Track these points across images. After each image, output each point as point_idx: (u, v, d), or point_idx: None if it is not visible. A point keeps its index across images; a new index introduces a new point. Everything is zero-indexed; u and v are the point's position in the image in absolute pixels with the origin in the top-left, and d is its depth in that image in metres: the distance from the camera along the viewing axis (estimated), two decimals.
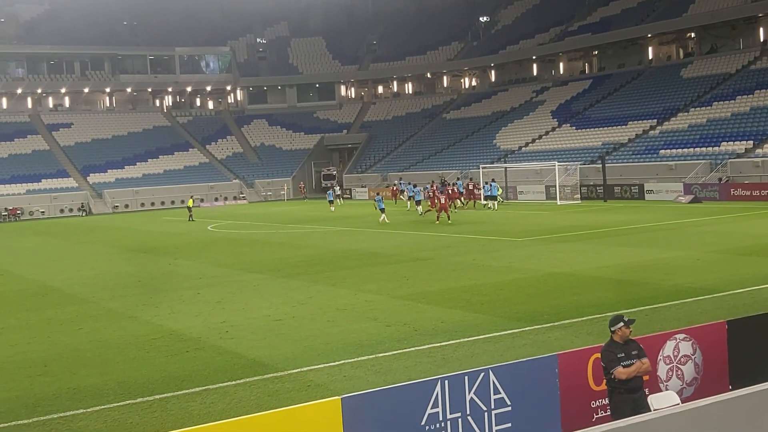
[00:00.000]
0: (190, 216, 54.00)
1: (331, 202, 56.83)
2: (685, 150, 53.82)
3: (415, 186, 50.85)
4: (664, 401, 9.51)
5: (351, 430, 8.19)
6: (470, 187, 53.17)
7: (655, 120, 60.36)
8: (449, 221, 39.17)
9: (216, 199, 76.61)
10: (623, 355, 8.92)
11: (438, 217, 39.83)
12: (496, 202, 49.02)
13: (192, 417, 10.90)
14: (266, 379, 12.70)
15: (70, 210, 71.99)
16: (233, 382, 12.56)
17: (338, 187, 68.65)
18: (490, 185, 50.15)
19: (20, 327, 18.24)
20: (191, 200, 58.71)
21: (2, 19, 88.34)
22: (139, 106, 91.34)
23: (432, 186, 50.39)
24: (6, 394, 12.73)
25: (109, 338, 16.50)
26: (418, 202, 46.91)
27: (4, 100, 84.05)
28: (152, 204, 74.95)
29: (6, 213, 68.50)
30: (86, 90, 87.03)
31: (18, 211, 69.19)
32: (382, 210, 42.94)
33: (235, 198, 78.38)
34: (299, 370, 13.12)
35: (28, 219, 68.95)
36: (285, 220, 48.86)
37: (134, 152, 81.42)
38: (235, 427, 7.75)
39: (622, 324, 9.05)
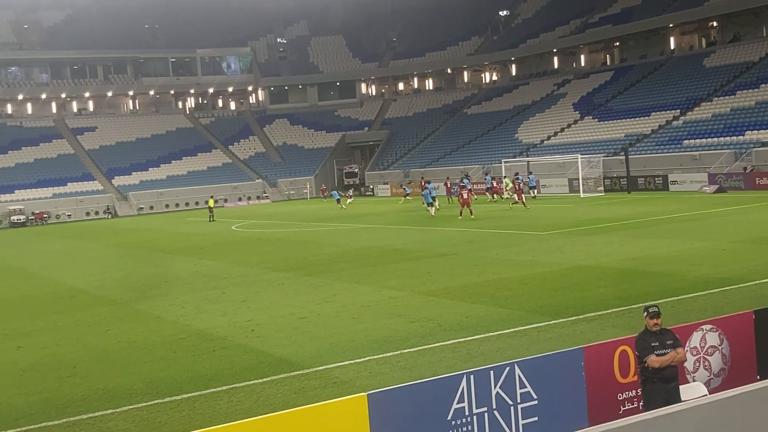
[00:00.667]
0: (211, 216, 54.33)
1: (338, 200, 57.46)
2: (709, 140, 53.34)
3: (429, 183, 50.24)
4: (691, 393, 9.46)
5: (377, 426, 8.20)
6: (494, 183, 53.32)
7: (678, 110, 59.87)
8: (472, 216, 39.09)
9: (239, 199, 77.00)
10: (657, 344, 8.91)
11: (461, 212, 39.77)
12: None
13: (219, 415, 10.97)
14: (292, 377, 12.75)
15: (96, 213, 72.66)
16: (260, 381, 12.63)
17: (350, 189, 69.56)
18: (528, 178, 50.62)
19: (49, 329, 18.44)
20: (212, 200, 59.04)
21: (26, 26, 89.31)
22: (161, 109, 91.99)
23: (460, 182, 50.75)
24: (36, 396, 12.88)
25: (136, 339, 16.64)
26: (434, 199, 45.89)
27: (29, 106, 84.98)
28: (176, 205, 75.50)
29: (33, 217, 69.26)
30: (109, 93, 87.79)
31: (45, 215, 69.95)
32: (430, 204, 43.62)
33: (258, 198, 78.73)
34: (325, 367, 13.16)
35: (55, 222, 69.69)
36: (308, 218, 49.00)
37: (158, 154, 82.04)
38: (262, 425, 7.79)
39: (645, 313, 9.12)
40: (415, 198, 58.10)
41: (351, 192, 67.39)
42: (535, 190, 52.81)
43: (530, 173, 54.89)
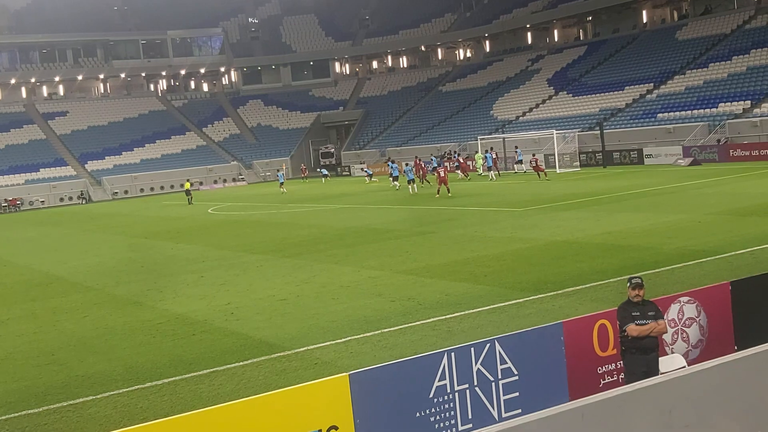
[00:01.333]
0: (189, 199, 53.98)
1: (281, 184, 57.33)
2: (683, 113, 53.67)
3: (393, 162, 51.32)
4: (670, 364, 9.56)
5: (360, 406, 8.22)
6: (462, 160, 53.62)
7: (652, 84, 60.15)
8: (449, 194, 39.14)
9: (215, 182, 76.59)
10: (638, 314, 9.03)
11: (438, 191, 39.81)
12: (493, 173, 49.67)
13: (201, 399, 10.96)
14: (273, 359, 12.75)
15: (70, 198, 72.00)
16: (241, 363, 12.62)
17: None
18: (486, 156, 51.00)
19: (26, 317, 18.29)
20: (188, 183, 58.40)
21: None
22: (133, 92, 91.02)
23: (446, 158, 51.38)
24: (15, 384, 12.79)
25: (115, 325, 16.55)
26: (395, 178, 49.08)
27: None
28: (151, 189, 74.94)
29: (6, 204, 68.51)
30: (80, 77, 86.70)
31: (18, 202, 69.21)
32: (411, 181, 44.34)
33: (234, 180, 78.33)
34: (306, 348, 13.17)
35: (29, 209, 68.97)
36: (284, 200, 48.84)
37: (131, 138, 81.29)
38: (244, 408, 7.78)
39: (628, 284, 9.24)
40: (381, 179, 58.29)
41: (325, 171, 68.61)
42: (523, 165, 52.57)
43: (516, 148, 54.88)
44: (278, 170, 65.16)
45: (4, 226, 51.12)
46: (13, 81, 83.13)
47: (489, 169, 50.14)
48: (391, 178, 50.47)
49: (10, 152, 76.13)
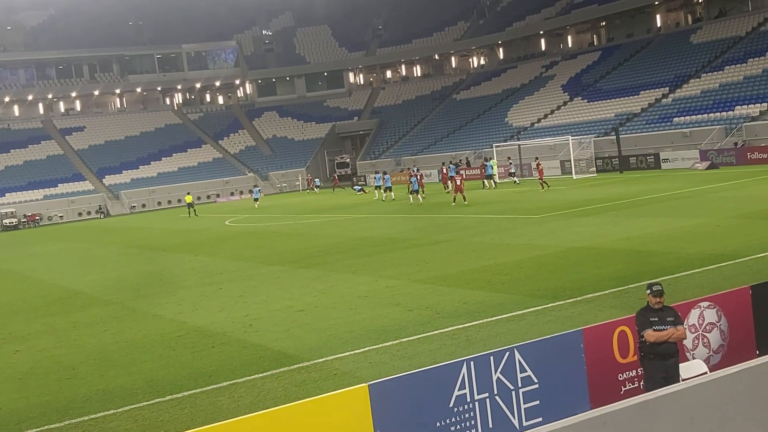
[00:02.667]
0: (191, 212, 54.99)
1: (256, 200, 58.28)
2: (699, 116, 53.41)
3: (385, 174, 51.59)
4: (691, 370, 9.49)
5: (380, 416, 8.21)
6: (444, 171, 53.30)
7: (667, 88, 59.91)
8: (465, 203, 39.09)
9: (231, 194, 76.81)
10: (656, 319, 8.97)
11: (454, 199, 39.79)
12: (492, 181, 49.36)
13: (221, 411, 10.96)
14: (292, 370, 12.74)
15: (88, 213, 72.45)
16: (260, 375, 12.62)
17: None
18: (486, 165, 50.70)
19: (46, 332, 18.38)
20: (189, 196, 58.93)
21: (8, 27, 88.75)
22: (149, 106, 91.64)
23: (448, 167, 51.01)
24: (37, 399, 12.85)
25: (134, 338, 16.61)
26: (388, 189, 49.24)
27: (16, 107, 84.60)
28: (169, 202, 75.32)
29: (25, 219, 69.00)
30: (96, 92, 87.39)
31: (37, 217, 69.69)
32: (415, 191, 44.16)
33: (250, 191, 78.48)
34: (325, 359, 13.16)
35: (48, 224, 69.45)
36: (301, 210, 48.93)
37: (148, 152, 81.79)
38: (264, 420, 7.79)
39: (648, 291, 9.17)
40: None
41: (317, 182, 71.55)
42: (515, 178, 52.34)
43: (509, 159, 54.96)
44: (255, 185, 68.30)
45: (23, 241, 51.49)
46: (30, 97, 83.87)
47: (489, 177, 49.58)
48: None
49: (29, 168, 76.76)
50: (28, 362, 15.52)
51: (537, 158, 48.55)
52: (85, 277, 27.87)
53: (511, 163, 54.79)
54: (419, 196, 44.66)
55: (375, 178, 51.96)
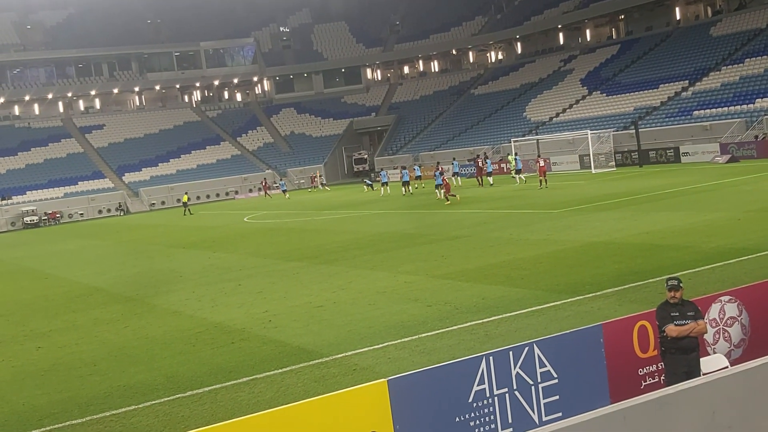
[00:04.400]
0: (186, 211, 56.78)
1: (285, 191, 61.63)
2: (720, 109, 52.98)
3: (403, 168, 52.08)
4: (712, 364, 9.44)
5: (399, 412, 8.22)
6: (479, 164, 52.53)
7: (687, 81, 59.47)
8: (447, 203, 39.18)
9: (250, 191, 77.01)
10: (677, 314, 8.93)
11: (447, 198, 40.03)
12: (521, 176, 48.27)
13: (241, 407, 11.02)
14: (312, 366, 12.78)
15: (108, 210, 72.92)
16: (280, 371, 12.67)
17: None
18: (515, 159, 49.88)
19: (68, 328, 18.54)
20: (186, 196, 60.58)
21: (28, 27, 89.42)
22: (168, 103, 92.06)
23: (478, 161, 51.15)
24: (58, 395, 12.96)
25: (155, 334, 16.72)
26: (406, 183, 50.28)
27: (36, 106, 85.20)
28: (188, 199, 75.53)
29: (46, 217, 69.55)
30: (115, 90, 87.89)
31: (57, 215, 70.21)
32: (438, 186, 43.31)
33: (277, 186, 78.65)
34: (344, 354, 13.19)
35: (68, 222, 69.96)
36: (319, 207, 49.01)
37: (167, 149, 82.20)
38: (284, 415, 7.81)
39: (666, 286, 9.15)
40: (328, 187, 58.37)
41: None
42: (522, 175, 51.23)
43: (516, 154, 53.98)
44: (281, 179, 70.90)
45: (44, 239, 51.92)
46: (50, 96, 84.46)
47: (518, 172, 48.68)
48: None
49: (49, 166, 77.35)
50: (50, 359, 15.66)
51: (539, 156, 47.83)
52: (106, 274, 28.07)
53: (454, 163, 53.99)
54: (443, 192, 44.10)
55: (402, 173, 51.57)
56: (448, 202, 39.53)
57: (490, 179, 49.39)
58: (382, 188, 52.57)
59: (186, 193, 62.33)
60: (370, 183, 61.68)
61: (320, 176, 75.07)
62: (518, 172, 48.39)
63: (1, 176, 74.95)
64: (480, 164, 51.78)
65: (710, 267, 16.30)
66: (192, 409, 11.32)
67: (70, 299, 23.21)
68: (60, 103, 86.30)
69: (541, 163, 44.73)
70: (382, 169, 60.97)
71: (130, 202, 74.17)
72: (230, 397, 11.65)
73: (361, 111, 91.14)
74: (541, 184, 42.36)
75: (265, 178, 73.79)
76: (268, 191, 67.99)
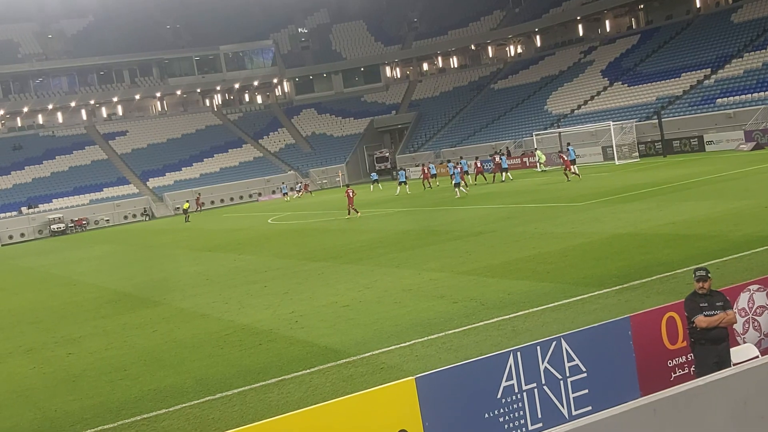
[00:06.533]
0: (186, 218, 58.48)
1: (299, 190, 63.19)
2: (743, 96, 52.42)
3: (449, 162, 51.68)
4: (742, 354, 9.36)
5: (428, 409, 8.22)
6: (497, 161, 51.82)
7: (709, 69, 58.89)
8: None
9: (273, 192, 77.27)
10: (706, 305, 8.88)
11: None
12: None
13: (271, 408, 11.07)
14: (340, 365, 12.82)
15: (134, 216, 73.48)
16: (308, 371, 12.71)
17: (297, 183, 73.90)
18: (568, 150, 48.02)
19: (97, 334, 18.71)
20: (187, 204, 62.59)
21: (50, 36, 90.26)
22: (189, 108, 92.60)
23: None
24: (90, 400, 13.09)
25: (183, 338, 16.83)
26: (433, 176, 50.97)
27: (59, 115, 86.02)
28: (212, 202, 76.02)
29: (72, 224, 70.20)
30: (137, 97, 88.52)
31: (84, 222, 70.85)
32: (457, 185, 43.22)
33: (291, 189, 78.93)
34: (371, 353, 13.20)
35: (94, 228, 70.57)
36: (342, 206, 49.02)
37: (190, 153, 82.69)
38: (314, 415, 7.84)
39: (693, 276, 9.10)
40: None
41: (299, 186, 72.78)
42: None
43: (569, 144, 52.47)
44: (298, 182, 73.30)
45: (71, 246, 52.40)
46: (73, 104, 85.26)
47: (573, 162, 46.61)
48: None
49: (74, 173, 78.05)
50: (81, 364, 15.81)
51: (560, 151, 46.97)
52: (133, 279, 28.29)
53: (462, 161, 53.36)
54: (462, 188, 43.82)
55: (448, 167, 50.98)
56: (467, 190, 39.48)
57: (509, 174, 48.92)
58: (399, 187, 52.31)
59: (187, 201, 64.47)
60: (377, 179, 62.36)
61: (342, 176, 75.14)
62: (573, 162, 46.24)
63: (27, 185, 75.74)
64: (497, 160, 51.47)
65: (738, 256, 16.15)
66: (222, 411, 11.39)
67: (98, 305, 23.41)
68: (83, 111, 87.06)
69: (565, 157, 44.23)
70: (401, 169, 61.03)
71: (155, 207, 74.68)
72: (259, 399, 11.71)
73: (381, 109, 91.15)
74: (568, 177, 41.92)
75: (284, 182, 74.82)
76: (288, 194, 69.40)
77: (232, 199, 76.49)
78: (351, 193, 40.29)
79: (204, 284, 24.32)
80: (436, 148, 77.69)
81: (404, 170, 57.32)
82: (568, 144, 50.52)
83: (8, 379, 15.56)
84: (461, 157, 59.66)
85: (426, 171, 56.19)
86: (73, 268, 36.34)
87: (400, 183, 52.78)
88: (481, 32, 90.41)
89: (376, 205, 45.23)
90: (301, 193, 70.34)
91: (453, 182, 43.83)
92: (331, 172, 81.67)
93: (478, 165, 53.18)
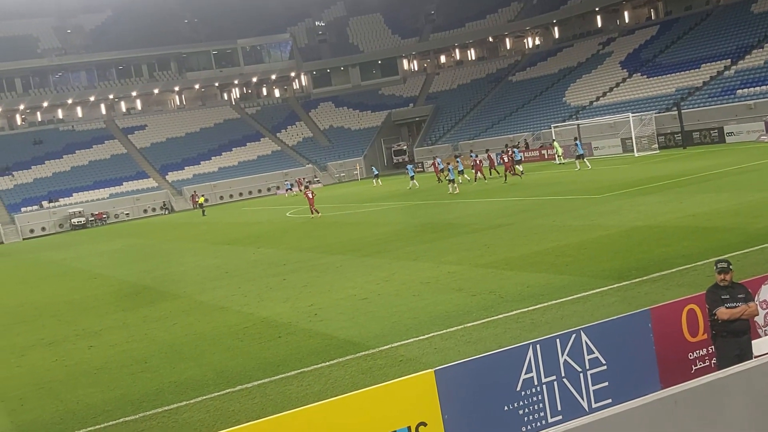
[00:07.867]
0: (203, 211, 59.77)
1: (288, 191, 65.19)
2: (764, 87, 51.92)
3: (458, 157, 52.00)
4: (764, 347, 9.30)
5: (447, 402, 8.23)
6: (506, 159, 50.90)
7: (729, 60, 58.38)
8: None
9: (291, 186, 77.35)
10: (728, 296, 8.85)
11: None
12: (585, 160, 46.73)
13: (290, 400, 11.12)
14: (359, 358, 12.85)
15: (153, 210, 73.90)
16: (327, 363, 12.76)
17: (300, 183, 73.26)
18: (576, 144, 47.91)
19: (118, 327, 18.85)
20: (202, 198, 64.28)
21: (69, 31, 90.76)
22: (208, 102, 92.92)
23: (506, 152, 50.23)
24: (111, 393, 13.20)
25: (203, 330, 16.92)
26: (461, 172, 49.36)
27: (79, 109, 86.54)
28: (231, 196, 76.35)
29: (93, 218, 70.69)
30: (156, 91, 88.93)
31: (104, 216, 71.32)
32: (451, 181, 43.41)
33: (309, 182, 79.01)
34: (390, 346, 13.23)
35: (114, 222, 71.04)
36: (360, 199, 49.11)
37: (208, 147, 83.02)
38: (333, 407, 7.87)
39: (715, 269, 9.05)
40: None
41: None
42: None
43: (576, 139, 51.95)
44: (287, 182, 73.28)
45: (92, 239, 52.78)
46: (92, 98, 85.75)
47: (580, 157, 46.11)
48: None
49: (94, 168, 78.56)
50: (102, 357, 15.94)
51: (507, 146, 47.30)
52: (153, 272, 28.46)
53: (472, 155, 53.00)
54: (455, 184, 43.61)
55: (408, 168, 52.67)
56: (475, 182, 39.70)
57: (520, 167, 47.50)
58: (411, 182, 52.18)
59: (203, 195, 65.65)
60: (377, 173, 62.62)
61: (360, 169, 75.17)
62: (580, 157, 46.09)
63: (48, 179, 76.32)
64: (510, 154, 50.42)
65: (759, 248, 16.03)
66: (242, 404, 11.46)
67: (119, 298, 23.58)
68: (102, 105, 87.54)
69: (505, 158, 45.17)
70: (409, 163, 61.39)
71: (174, 201, 75.06)
72: (279, 391, 11.76)
73: (398, 102, 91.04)
74: (581, 165, 41.99)
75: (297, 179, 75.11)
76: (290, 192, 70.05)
77: (250, 192, 76.82)
78: (311, 195, 41.77)
79: (223, 277, 24.44)
80: (454, 141, 77.53)
81: (412, 165, 58.52)
82: (575, 139, 50.35)
83: (31, 371, 15.72)
84: (456, 157, 59.57)
85: (436, 165, 56.27)
86: (94, 262, 36.61)
87: (411, 177, 52.97)
88: (499, 24, 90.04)
89: (392, 199, 45.23)
90: (295, 192, 69.70)
91: (447, 178, 44.22)
92: (349, 165, 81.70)
93: (492, 158, 52.89)
